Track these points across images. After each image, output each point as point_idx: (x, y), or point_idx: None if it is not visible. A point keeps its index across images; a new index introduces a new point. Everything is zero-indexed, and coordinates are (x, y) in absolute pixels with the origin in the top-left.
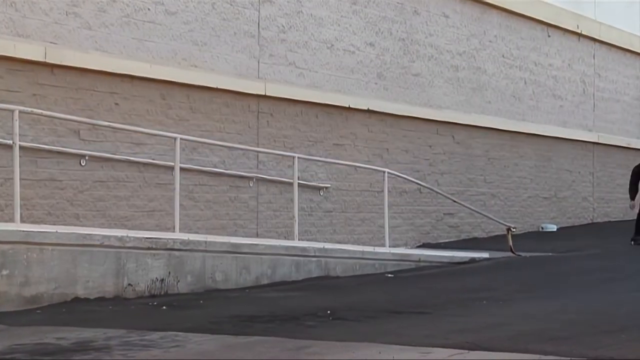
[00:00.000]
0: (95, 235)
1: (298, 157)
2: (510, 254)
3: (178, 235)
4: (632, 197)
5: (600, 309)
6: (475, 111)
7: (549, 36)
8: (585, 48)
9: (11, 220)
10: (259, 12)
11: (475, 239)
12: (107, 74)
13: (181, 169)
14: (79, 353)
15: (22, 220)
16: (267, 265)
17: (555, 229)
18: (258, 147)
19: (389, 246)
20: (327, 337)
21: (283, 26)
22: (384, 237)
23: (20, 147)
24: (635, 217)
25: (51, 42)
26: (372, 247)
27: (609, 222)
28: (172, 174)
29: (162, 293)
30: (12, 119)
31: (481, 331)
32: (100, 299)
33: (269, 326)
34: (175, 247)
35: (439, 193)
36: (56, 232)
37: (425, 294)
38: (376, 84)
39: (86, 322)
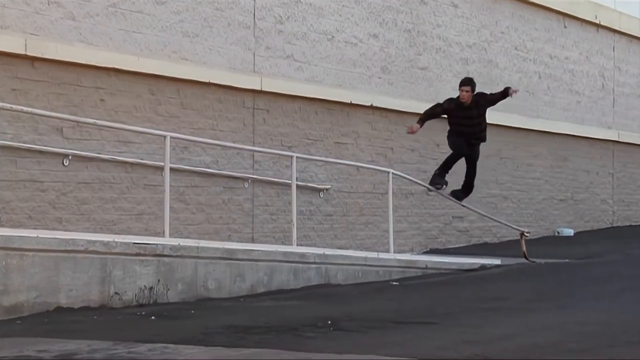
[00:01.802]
0: (79, 241)
1: (296, 157)
2: (523, 260)
3: (168, 240)
4: (420, 122)
5: (619, 320)
6: None
7: (565, 27)
8: (604, 40)
9: None
10: (254, 1)
11: (486, 244)
12: (92, 68)
13: (171, 169)
14: None
15: (1, 225)
16: (263, 273)
17: (572, 234)
18: (254, 145)
19: (394, 252)
20: (327, 349)
21: (280, 16)
22: (388, 242)
23: None
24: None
25: (32, 34)
26: (376, 253)
27: (630, 226)
28: (162, 175)
29: (151, 302)
30: None
31: (493, 343)
32: (85, 309)
33: (264, 337)
34: (165, 253)
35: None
36: (37, 237)
37: (433, 303)
38: (380, 78)
39: (70, 333)
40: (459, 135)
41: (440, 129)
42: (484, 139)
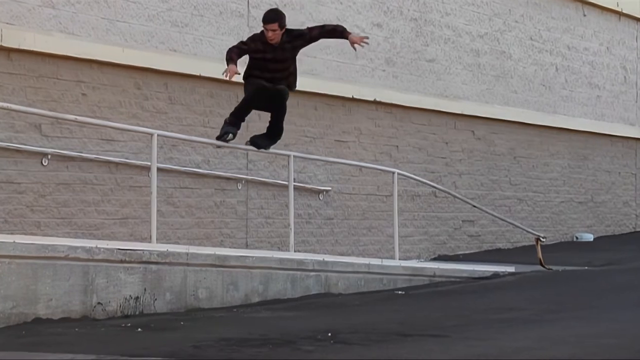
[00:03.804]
0: (60, 246)
1: (294, 156)
2: (539, 267)
3: (155, 246)
4: (235, 63)
5: None
6: (499, 102)
7: (584, 15)
8: (627, 29)
9: None
10: None
11: (499, 250)
12: (73, 60)
13: (159, 169)
14: None
15: None
16: (258, 281)
17: (591, 239)
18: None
19: (399, 259)
20: None
21: (276, 4)
22: (393, 248)
23: None
24: None
25: (8, 23)
26: (380, 260)
27: None
28: (148, 175)
29: (137, 313)
30: None
31: (506, 357)
32: (65, 320)
33: (260, 351)
34: (152, 259)
35: (457, 197)
36: (14, 242)
37: (442, 314)
38: (384, 71)
39: (49, 347)
40: (260, 78)
41: (449, 126)
42: (292, 87)
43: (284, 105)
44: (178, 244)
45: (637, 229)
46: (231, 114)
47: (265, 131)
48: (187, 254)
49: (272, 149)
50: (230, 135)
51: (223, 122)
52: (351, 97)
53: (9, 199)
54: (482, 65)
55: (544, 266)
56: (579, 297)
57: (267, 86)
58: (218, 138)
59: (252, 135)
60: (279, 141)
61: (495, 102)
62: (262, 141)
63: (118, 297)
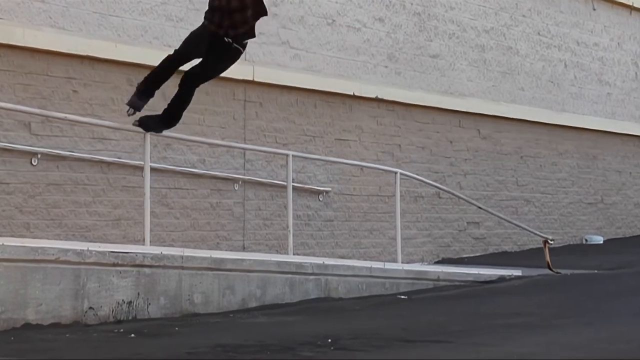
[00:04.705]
0: (50, 249)
1: (293, 155)
2: (547, 271)
3: (149, 248)
4: None
5: None
6: (505, 100)
7: (594, 9)
8: (638, 24)
9: None
10: None
11: (505, 253)
12: (64, 56)
13: (152, 169)
14: None
15: None
16: (256, 285)
17: (601, 242)
18: (245, 143)
19: (402, 262)
20: None
21: None
22: (395, 251)
23: None
24: None
25: None
26: (382, 263)
27: None
28: (142, 176)
29: (130, 318)
30: None
31: None
32: (56, 325)
33: (257, 357)
34: (146, 263)
35: (462, 198)
36: (2, 245)
37: (446, 319)
38: (386, 67)
39: (39, 353)
40: (212, 22)
41: (454, 124)
42: (239, 42)
43: (192, 92)
44: (173, 246)
45: None
46: (145, 78)
47: (160, 113)
48: (182, 257)
49: (269, 148)
50: (131, 110)
51: (135, 88)
52: (352, 94)
53: None
54: (487, 61)
55: (552, 270)
56: (588, 301)
57: (190, 52)
58: (127, 104)
59: (143, 115)
60: (280, 137)
61: (502, 99)
62: (155, 124)
63: (110, 301)
